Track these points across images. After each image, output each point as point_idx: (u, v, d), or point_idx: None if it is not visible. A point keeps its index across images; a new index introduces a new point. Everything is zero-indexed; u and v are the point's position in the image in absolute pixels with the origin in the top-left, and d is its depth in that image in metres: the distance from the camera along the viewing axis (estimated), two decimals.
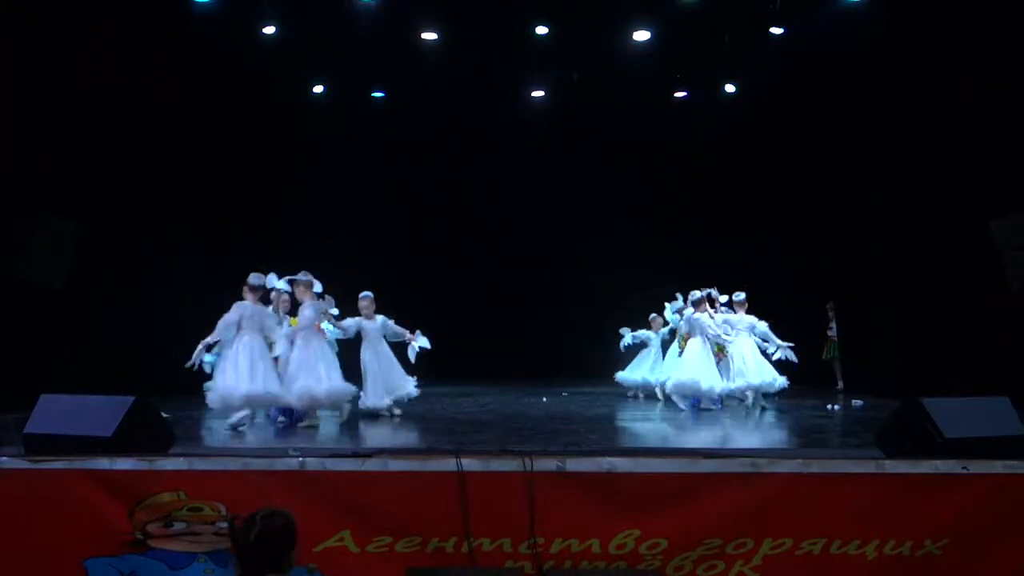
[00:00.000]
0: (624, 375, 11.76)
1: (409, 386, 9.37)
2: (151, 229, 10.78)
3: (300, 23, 11.89)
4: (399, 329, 9.48)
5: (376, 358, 9.20)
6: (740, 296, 10.41)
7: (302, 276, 8.61)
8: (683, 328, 10.33)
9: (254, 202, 13.30)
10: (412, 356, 9.39)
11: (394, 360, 9.38)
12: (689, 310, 10.19)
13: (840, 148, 12.55)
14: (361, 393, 8.99)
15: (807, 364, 11.45)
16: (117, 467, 4.70)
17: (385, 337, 9.38)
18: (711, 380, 9.76)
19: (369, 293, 9.35)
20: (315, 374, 8.14)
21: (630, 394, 11.67)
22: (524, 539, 4.63)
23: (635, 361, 11.67)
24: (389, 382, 9.19)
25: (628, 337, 11.54)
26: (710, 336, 9.84)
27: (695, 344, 9.95)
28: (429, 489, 4.69)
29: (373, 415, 8.94)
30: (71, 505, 4.65)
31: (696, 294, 10.11)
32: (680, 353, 10.73)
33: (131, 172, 10.52)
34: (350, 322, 9.15)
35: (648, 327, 11.82)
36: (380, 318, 9.39)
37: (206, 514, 4.66)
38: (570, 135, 14.75)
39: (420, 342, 9.37)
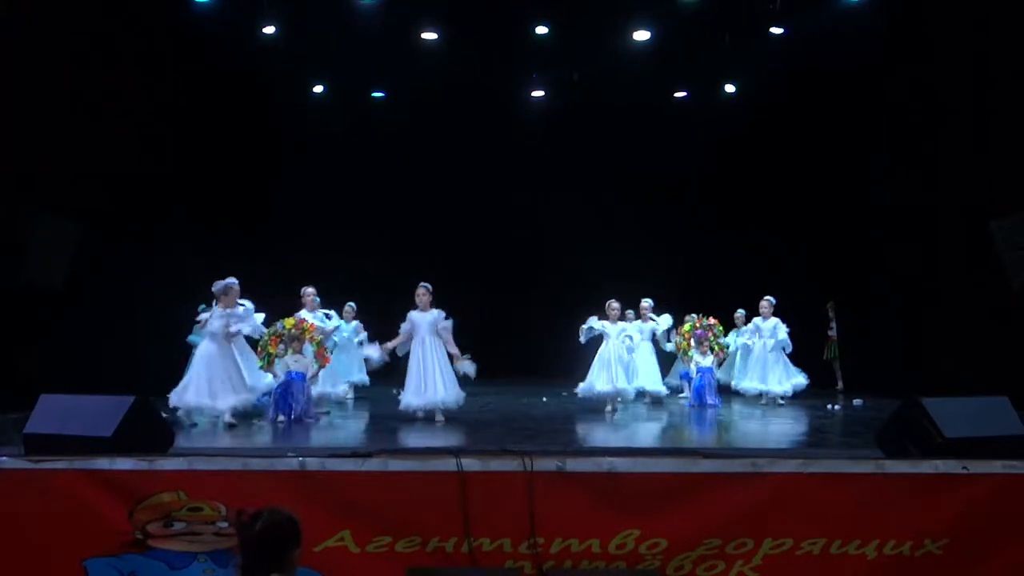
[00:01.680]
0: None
1: (443, 396, 8.52)
2: (151, 229, 10.79)
3: (300, 23, 11.88)
4: (447, 334, 8.72)
5: (422, 354, 8.61)
6: (772, 300, 10.99)
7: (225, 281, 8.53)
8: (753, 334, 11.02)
9: (254, 202, 13.31)
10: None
11: (442, 362, 8.64)
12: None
13: (840, 148, 12.55)
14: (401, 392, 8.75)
15: (807, 364, 11.48)
16: (117, 467, 4.71)
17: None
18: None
19: (427, 284, 8.89)
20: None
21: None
22: (524, 539, 4.64)
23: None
24: (427, 382, 8.50)
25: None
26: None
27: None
28: (429, 489, 4.70)
29: (407, 417, 8.55)
30: (71, 505, 4.65)
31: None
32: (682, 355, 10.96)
33: (131, 172, 10.53)
34: (405, 326, 8.74)
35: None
36: (434, 312, 8.76)
37: (206, 514, 4.66)
38: (570, 135, 14.74)
39: (465, 367, 8.66)
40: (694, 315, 11.32)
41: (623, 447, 6.54)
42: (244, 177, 13.01)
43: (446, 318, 8.76)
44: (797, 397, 10.82)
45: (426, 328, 8.70)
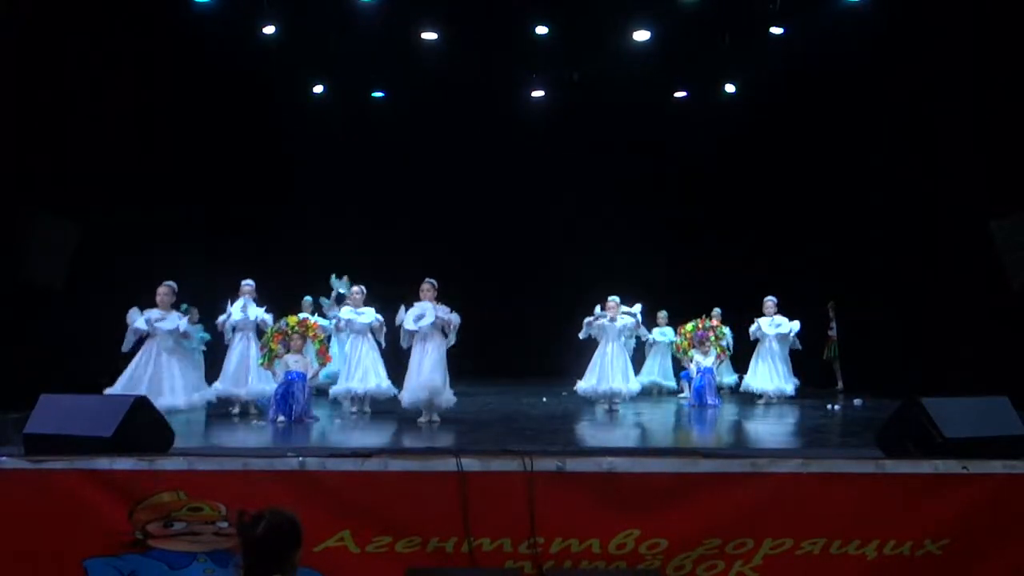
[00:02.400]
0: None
1: (444, 395, 8.49)
2: (151, 229, 10.78)
3: (300, 23, 11.89)
4: (451, 327, 8.55)
5: (420, 350, 8.49)
6: (774, 300, 11.23)
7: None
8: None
9: (254, 202, 13.31)
10: None
11: (438, 360, 8.50)
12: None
13: (840, 148, 12.55)
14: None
15: (807, 364, 11.50)
16: (117, 467, 4.70)
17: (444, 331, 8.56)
18: None
19: (432, 280, 8.71)
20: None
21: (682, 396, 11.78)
22: (524, 539, 4.63)
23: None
24: (424, 379, 8.37)
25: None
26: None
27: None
28: (429, 489, 4.69)
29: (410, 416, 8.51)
30: (71, 505, 4.64)
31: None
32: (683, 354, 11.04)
33: (131, 172, 10.53)
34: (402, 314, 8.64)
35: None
36: (440, 307, 8.57)
37: (206, 514, 4.65)
38: (570, 135, 14.75)
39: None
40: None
41: (623, 447, 6.55)
42: (244, 177, 13.01)
43: (450, 312, 8.61)
44: (796, 397, 10.86)
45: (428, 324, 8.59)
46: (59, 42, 9.40)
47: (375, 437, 7.69)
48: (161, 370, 8.35)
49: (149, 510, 4.64)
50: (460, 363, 9.37)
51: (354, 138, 14.50)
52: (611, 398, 9.64)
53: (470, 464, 4.70)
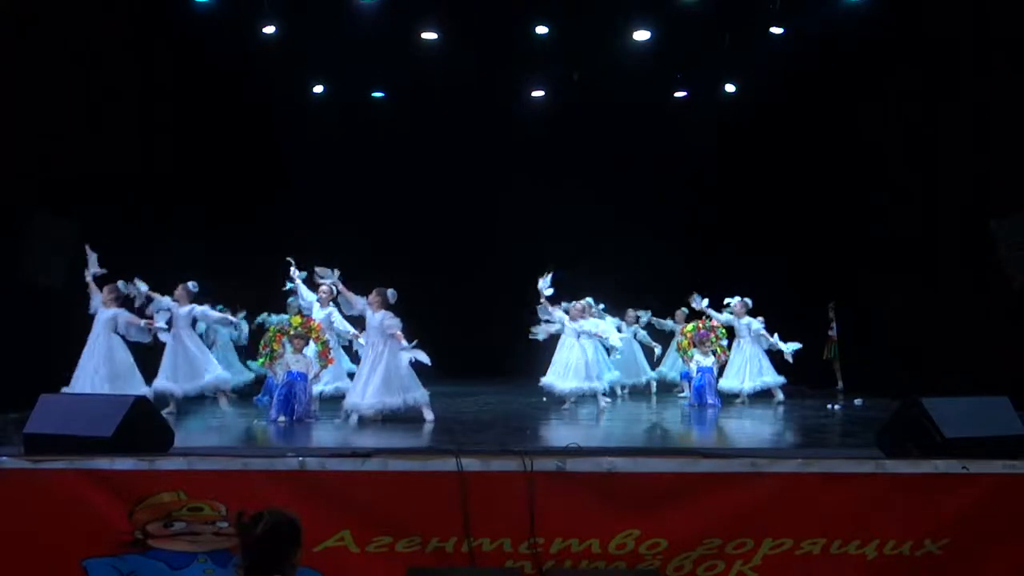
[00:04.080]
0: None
1: (413, 395, 8.46)
2: (151, 229, 10.79)
3: (300, 23, 11.88)
4: (394, 331, 8.48)
5: (370, 356, 8.55)
6: (748, 301, 11.06)
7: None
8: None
9: (254, 202, 13.31)
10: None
11: (392, 364, 8.46)
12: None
13: (840, 148, 12.53)
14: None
15: (807, 364, 11.48)
16: (117, 467, 4.70)
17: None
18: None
19: (387, 291, 8.66)
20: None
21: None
22: (524, 539, 4.64)
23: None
24: (387, 384, 8.39)
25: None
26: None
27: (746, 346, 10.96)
28: (429, 489, 4.70)
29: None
30: (71, 505, 4.65)
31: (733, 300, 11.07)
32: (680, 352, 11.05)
33: (131, 172, 10.54)
34: (360, 302, 8.72)
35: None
36: (382, 312, 8.54)
37: (206, 514, 4.66)
38: (570, 135, 14.74)
39: (418, 356, 8.48)
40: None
41: (623, 447, 6.54)
42: (244, 177, 13.02)
43: (392, 317, 8.56)
44: (796, 397, 10.83)
45: (374, 330, 8.58)
46: (59, 42, 9.41)
47: (375, 437, 7.68)
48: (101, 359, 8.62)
49: (149, 510, 4.65)
50: (464, 362, 9.39)
51: (354, 138, 14.49)
52: (569, 397, 9.80)
53: (470, 464, 4.71)
